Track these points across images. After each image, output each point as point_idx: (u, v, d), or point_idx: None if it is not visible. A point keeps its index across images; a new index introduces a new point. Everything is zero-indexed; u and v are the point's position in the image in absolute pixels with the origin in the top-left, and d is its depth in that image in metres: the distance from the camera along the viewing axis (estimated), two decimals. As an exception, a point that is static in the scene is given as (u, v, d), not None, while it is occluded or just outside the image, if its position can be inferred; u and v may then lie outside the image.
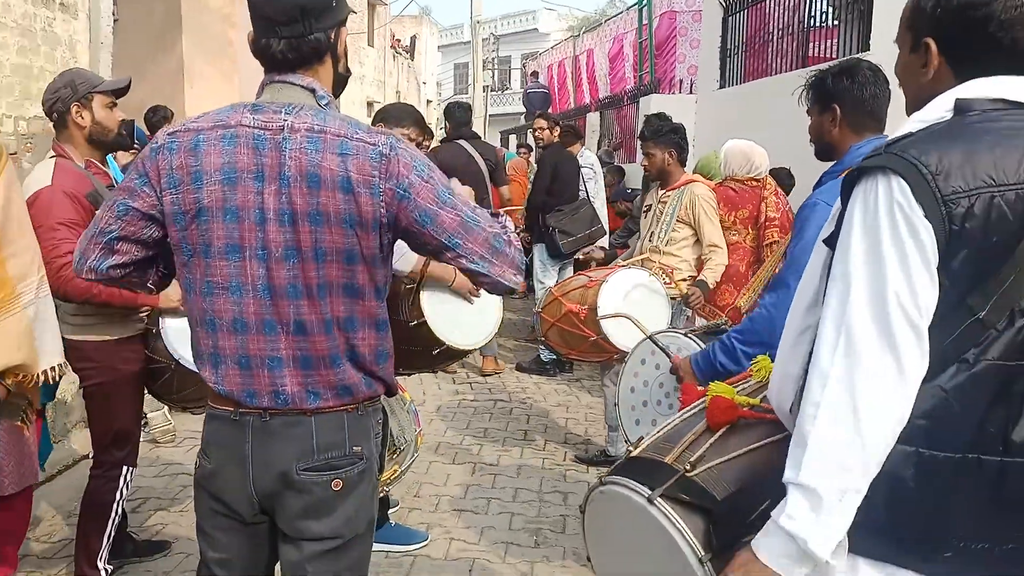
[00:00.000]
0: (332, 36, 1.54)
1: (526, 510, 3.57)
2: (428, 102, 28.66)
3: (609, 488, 1.47)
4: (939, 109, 1.20)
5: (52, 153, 2.65)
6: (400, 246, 1.61)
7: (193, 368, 2.55)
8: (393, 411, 2.47)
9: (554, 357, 5.77)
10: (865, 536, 1.16)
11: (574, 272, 5.45)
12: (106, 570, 2.74)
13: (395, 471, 2.62)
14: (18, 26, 4.05)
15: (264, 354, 1.50)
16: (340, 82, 1.61)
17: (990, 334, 1.11)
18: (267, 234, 1.46)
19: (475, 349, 3.01)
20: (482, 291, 2.77)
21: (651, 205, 4.12)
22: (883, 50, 5.40)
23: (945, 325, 1.11)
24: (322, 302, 1.49)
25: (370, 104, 25.66)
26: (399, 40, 25.97)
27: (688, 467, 1.37)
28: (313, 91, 1.53)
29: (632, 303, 3.37)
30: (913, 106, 1.27)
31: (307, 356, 1.51)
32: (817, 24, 7.06)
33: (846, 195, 1.18)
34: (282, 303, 1.49)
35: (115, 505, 2.74)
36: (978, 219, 1.09)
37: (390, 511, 3.35)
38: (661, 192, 4.04)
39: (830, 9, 7.04)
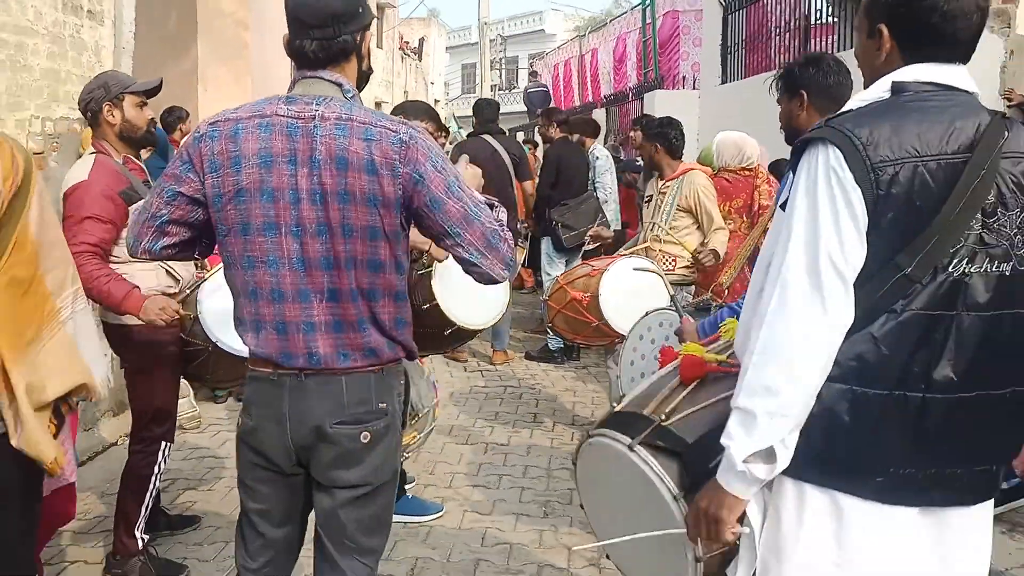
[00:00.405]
0: (358, 38, 1.74)
1: (535, 485, 3.77)
2: (436, 102, 28.89)
3: (596, 440, 1.68)
4: (878, 90, 1.38)
5: (92, 149, 2.86)
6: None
7: (230, 350, 2.78)
8: (413, 380, 2.65)
9: (561, 346, 5.96)
10: (809, 464, 1.35)
11: (581, 263, 5.65)
12: (143, 539, 2.95)
13: (415, 436, 2.81)
14: (48, 33, 4.26)
15: (299, 319, 1.69)
16: (363, 78, 1.81)
17: (915, 288, 1.28)
18: (301, 212, 1.65)
19: (484, 329, 3.22)
20: None
21: (652, 195, 4.32)
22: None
23: (877, 280, 1.29)
24: (348, 273, 1.68)
25: (378, 104, 25.81)
26: (407, 42, 26.18)
27: (663, 417, 1.57)
28: (340, 85, 1.72)
29: (634, 289, 3.56)
30: (869, 84, 1.43)
31: (338, 321, 1.70)
32: (817, 20, 7.21)
33: (794, 163, 1.36)
34: (316, 274, 1.67)
35: (153, 479, 2.95)
36: (902, 185, 1.27)
37: (407, 486, 3.56)
38: (661, 183, 4.23)
39: (828, 6, 7.20)
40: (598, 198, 6.24)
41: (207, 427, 4.64)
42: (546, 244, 6.23)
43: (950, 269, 1.29)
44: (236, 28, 9.85)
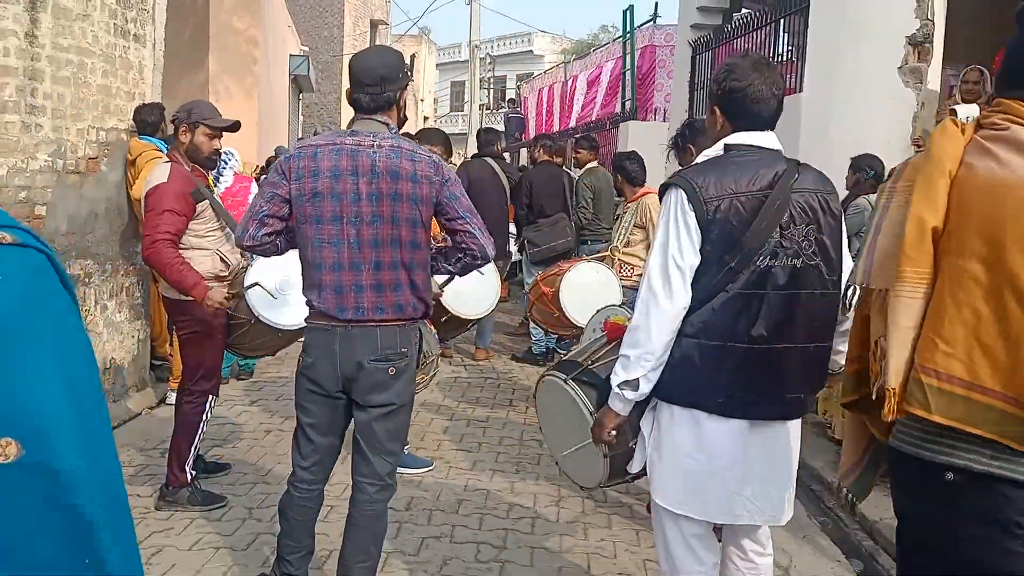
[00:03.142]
0: (398, 94, 2.52)
1: (509, 450, 4.52)
2: (425, 118, 29.69)
3: (547, 377, 2.50)
4: (715, 149, 2.14)
5: (166, 159, 3.58)
6: None
7: (268, 323, 3.51)
8: (424, 334, 3.38)
9: (544, 350, 6.70)
10: (676, 391, 2.09)
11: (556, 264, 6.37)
12: (191, 473, 3.66)
13: (423, 378, 3.55)
14: (103, 54, 4.94)
15: (351, 283, 2.43)
16: (401, 121, 2.60)
17: (738, 276, 2.02)
18: (360, 207, 2.40)
19: (475, 319, 3.97)
20: (485, 275, 3.73)
21: (619, 215, 5.15)
22: (811, 88, 6.41)
23: (714, 271, 2.02)
24: (394, 249, 2.42)
25: (370, 118, 26.57)
26: (402, 54, 27.03)
27: (590, 363, 2.36)
28: (387, 124, 2.50)
29: (589, 288, 4.34)
30: (712, 144, 2.18)
31: (379, 284, 2.44)
32: (783, 59, 8.00)
33: (662, 198, 2.13)
34: (366, 251, 2.42)
35: (201, 424, 3.66)
36: (723, 212, 2.01)
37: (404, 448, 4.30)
38: (623, 204, 5.06)
39: (789, 47, 8.01)
40: (568, 218, 6.93)
41: (223, 401, 5.32)
42: (524, 257, 7.00)
43: (759, 263, 2.03)
44: (247, 45, 10.61)
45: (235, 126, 3.62)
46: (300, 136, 17.84)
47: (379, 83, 2.45)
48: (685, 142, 3.40)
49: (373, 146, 2.42)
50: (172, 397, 5.23)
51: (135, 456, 4.33)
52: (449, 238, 2.57)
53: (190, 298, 3.53)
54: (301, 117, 20.36)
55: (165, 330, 5.94)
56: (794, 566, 3.31)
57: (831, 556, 3.50)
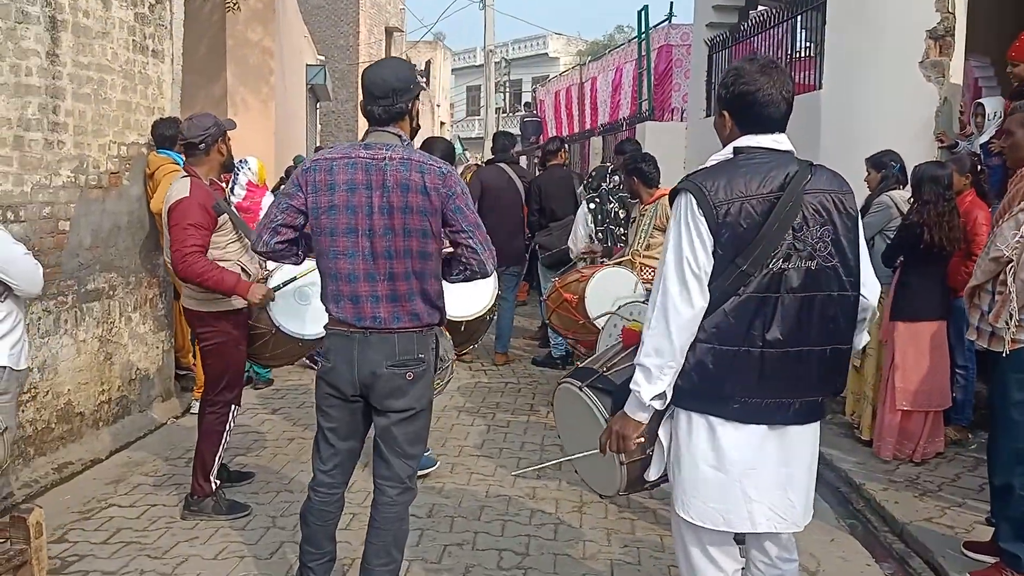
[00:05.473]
0: (409, 105, 2.53)
1: (530, 456, 4.51)
2: (442, 124, 29.79)
3: (563, 384, 2.48)
4: (725, 153, 2.10)
5: (184, 174, 3.63)
6: None
7: (290, 332, 3.54)
8: (440, 339, 3.39)
9: (563, 354, 6.63)
10: (692, 398, 2.05)
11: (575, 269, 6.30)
12: (215, 483, 3.69)
13: (439, 384, 3.55)
14: (122, 70, 5.01)
15: (368, 294, 2.45)
16: (413, 132, 2.60)
17: (750, 279, 1.98)
18: (373, 220, 2.41)
19: (467, 320, 3.97)
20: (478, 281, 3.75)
21: (636, 217, 5.10)
22: (830, 85, 6.34)
23: (726, 275, 1.99)
24: (407, 260, 2.43)
25: (389, 124, 26.71)
26: (414, 65, 27.26)
27: (605, 369, 2.34)
28: (399, 136, 2.51)
29: (612, 293, 4.31)
30: (724, 147, 2.14)
31: (395, 294, 2.45)
32: (801, 55, 7.91)
33: (672, 203, 2.09)
34: (380, 262, 2.43)
35: (224, 434, 3.69)
36: (733, 215, 1.97)
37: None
38: (640, 207, 5.01)
39: (808, 43, 7.92)
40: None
41: (246, 410, 5.35)
42: (539, 262, 6.96)
43: (771, 266, 1.99)
44: (263, 55, 10.70)
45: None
46: (318, 145, 17.97)
47: (391, 95, 2.47)
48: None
49: (385, 158, 2.43)
50: (197, 407, 5.30)
51: (161, 465, 4.38)
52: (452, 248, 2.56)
53: (211, 308, 3.58)
54: (319, 126, 20.51)
55: (188, 341, 6.02)
56: (822, 570, 3.27)
57: (860, 559, 3.45)
